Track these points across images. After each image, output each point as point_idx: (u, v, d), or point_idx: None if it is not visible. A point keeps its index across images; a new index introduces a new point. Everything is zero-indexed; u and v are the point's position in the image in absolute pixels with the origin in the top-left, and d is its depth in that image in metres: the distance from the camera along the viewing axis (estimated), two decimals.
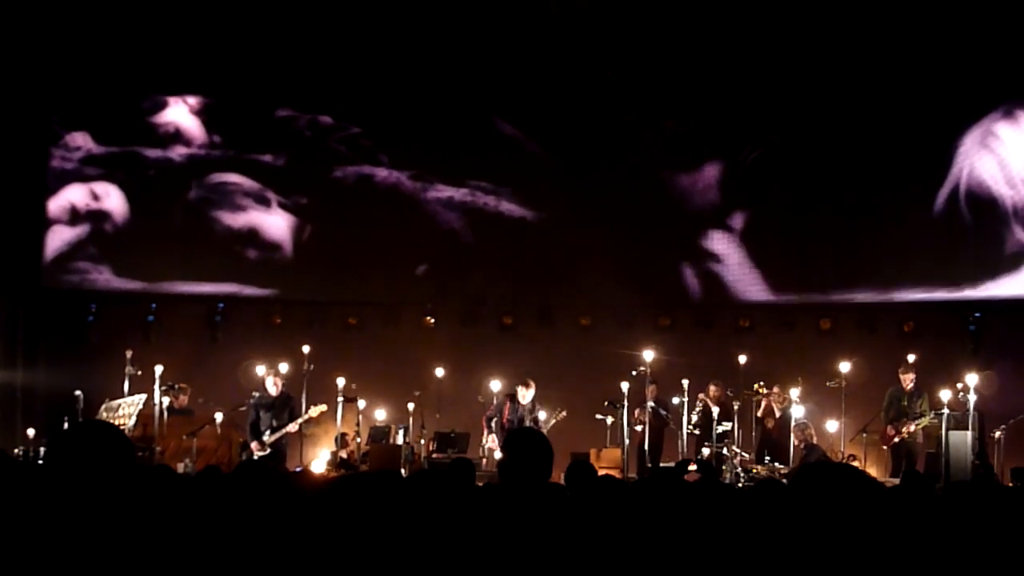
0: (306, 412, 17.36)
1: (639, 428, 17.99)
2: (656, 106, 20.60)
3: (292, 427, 17.29)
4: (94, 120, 20.97)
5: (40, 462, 14.87)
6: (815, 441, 17.13)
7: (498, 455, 15.00)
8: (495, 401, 17.97)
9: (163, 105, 21.10)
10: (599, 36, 20.14)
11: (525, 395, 17.63)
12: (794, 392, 17.53)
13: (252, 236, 20.98)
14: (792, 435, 17.08)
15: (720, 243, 20.47)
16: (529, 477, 5.41)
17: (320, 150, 21.04)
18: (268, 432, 17.08)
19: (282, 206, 21.05)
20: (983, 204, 19.62)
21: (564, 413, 17.85)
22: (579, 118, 20.63)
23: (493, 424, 17.54)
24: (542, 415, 17.63)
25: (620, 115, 20.60)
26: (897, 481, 12.78)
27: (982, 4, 19.15)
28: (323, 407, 17.40)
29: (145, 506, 4.76)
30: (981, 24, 19.08)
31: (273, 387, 17.35)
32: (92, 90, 20.82)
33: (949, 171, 19.71)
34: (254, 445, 16.99)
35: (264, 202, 21.04)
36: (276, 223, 21.01)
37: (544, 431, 17.20)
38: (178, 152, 21.05)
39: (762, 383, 18.25)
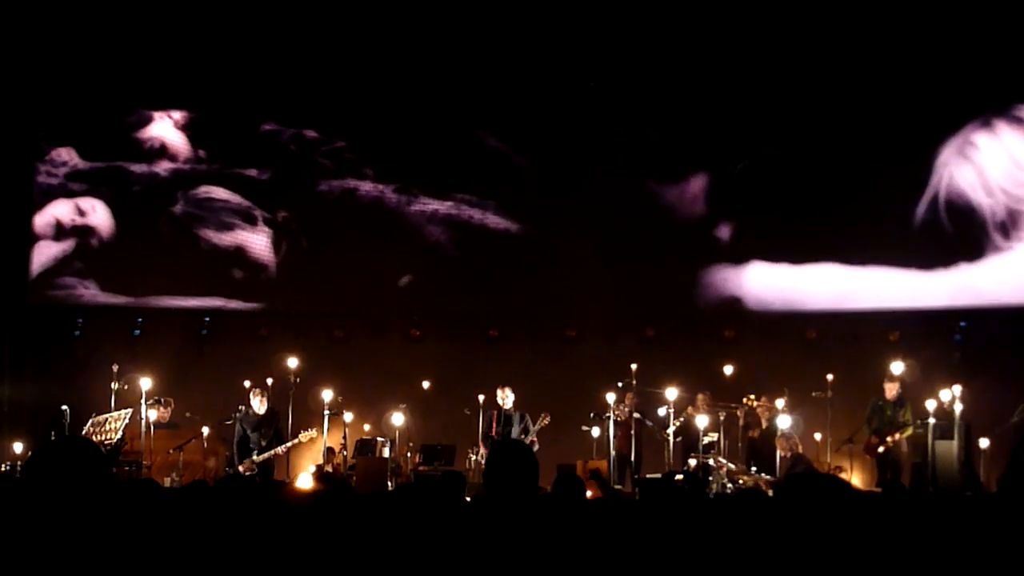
0: (295, 438, 17.33)
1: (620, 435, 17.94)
2: (642, 118, 20.62)
3: (280, 450, 17.27)
4: (79, 135, 21.02)
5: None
6: (800, 451, 17.13)
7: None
8: (481, 415, 17.99)
9: (148, 120, 21.12)
10: (583, 49, 20.18)
11: (505, 400, 17.75)
12: (779, 403, 17.57)
13: (238, 251, 20.98)
14: (777, 445, 17.10)
15: (706, 254, 20.49)
16: (514, 489, 5.41)
17: (305, 164, 21.05)
18: (256, 452, 17.07)
19: (267, 220, 21.07)
20: (963, 213, 19.68)
21: (548, 418, 17.84)
22: (564, 131, 20.65)
23: (489, 440, 17.58)
24: (531, 425, 17.68)
25: (605, 127, 20.60)
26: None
27: (959, 17, 19.22)
28: (312, 432, 17.34)
29: (132, 520, 4.77)
30: (958, 36, 19.17)
31: (259, 406, 17.34)
32: (77, 105, 20.84)
33: (929, 181, 19.78)
34: (243, 466, 16.95)
35: (250, 218, 21.04)
36: (262, 237, 21.02)
37: (533, 437, 17.32)
38: (163, 167, 21.06)
39: (752, 396, 18.27)
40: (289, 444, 17.25)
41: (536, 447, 17.21)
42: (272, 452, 17.14)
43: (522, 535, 4.99)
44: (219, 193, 21.05)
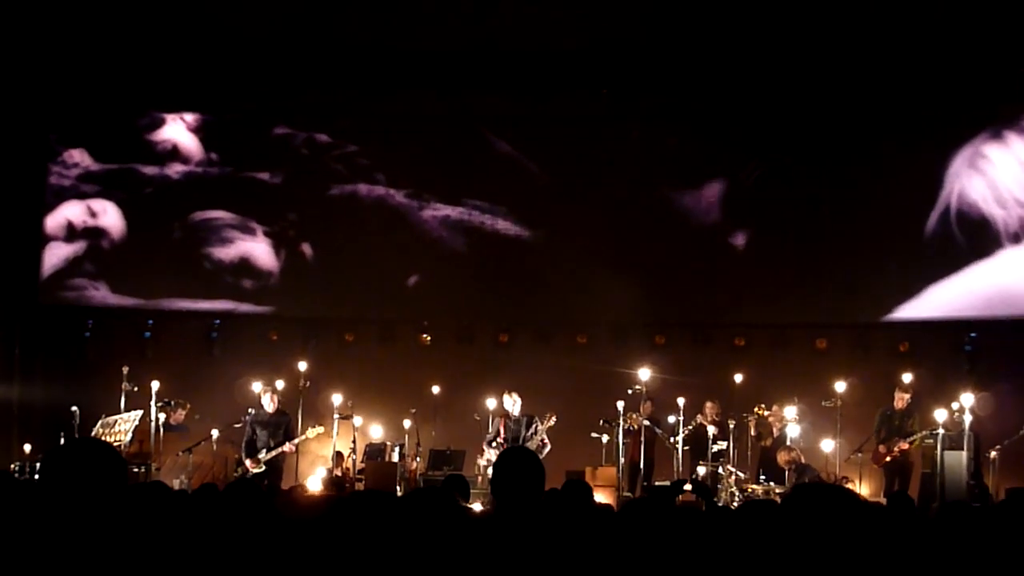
0: (303, 433, 17.34)
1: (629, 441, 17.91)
2: (657, 124, 20.60)
3: (288, 447, 17.26)
4: (92, 137, 21.05)
5: (35, 478, 14.83)
6: (804, 461, 17.12)
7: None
8: (490, 421, 17.97)
9: (160, 122, 21.13)
10: (597, 54, 20.12)
11: (513, 405, 17.70)
12: (790, 411, 17.56)
13: (246, 259, 21.01)
14: (778, 458, 17.12)
15: (720, 262, 20.46)
16: (521, 496, 5.42)
17: (317, 168, 21.07)
18: (264, 451, 17.08)
19: (279, 223, 21.08)
20: (974, 225, 19.67)
21: (554, 418, 17.74)
22: (576, 137, 20.68)
23: (494, 445, 17.53)
24: (541, 429, 17.57)
25: (619, 133, 20.61)
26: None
27: (970, 28, 19.19)
28: (320, 429, 17.38)
29: (141, 522, 4.78)
30: (968, 48, 19.12)
31: (270, 404, 17.36)
32: (90, 107, 20.88)
33: (940, 192, 19.77)
34: (249, 463, 16.99)
35: (259, 224, 21.05)
36: (272, 241, 21.03)
37: (544, 437, 17.27)
38: (175, 169, 21.07)
39: (763, 405, 18.25)
40: (297, 440, 17.29)
41: (548, 448, 17.20)
42: (280, 450, 17.15)
43: (529, 540, 4.99)
44: (215, 213, 21.07)
